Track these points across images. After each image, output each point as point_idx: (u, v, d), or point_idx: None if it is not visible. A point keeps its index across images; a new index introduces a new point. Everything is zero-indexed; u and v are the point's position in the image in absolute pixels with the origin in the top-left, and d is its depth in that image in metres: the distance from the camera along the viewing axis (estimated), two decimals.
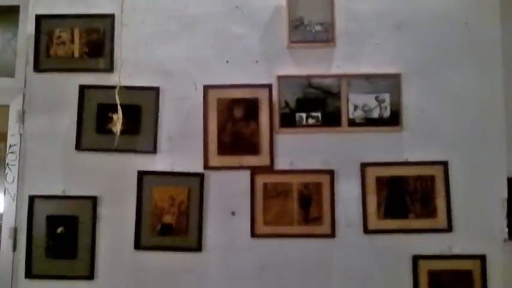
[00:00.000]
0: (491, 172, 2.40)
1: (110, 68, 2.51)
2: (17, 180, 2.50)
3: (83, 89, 2.51)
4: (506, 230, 2.36)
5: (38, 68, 2.54)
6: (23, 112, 2.52)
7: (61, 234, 2.46)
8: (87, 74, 2.52)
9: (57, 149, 2.49)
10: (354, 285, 2.35)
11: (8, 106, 2.53)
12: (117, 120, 2.30)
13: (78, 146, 2.48)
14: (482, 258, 2.34)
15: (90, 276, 2.42)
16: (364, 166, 2.40)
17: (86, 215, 2.45)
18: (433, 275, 2.33)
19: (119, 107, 2.30)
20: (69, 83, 2.50)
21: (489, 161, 2.40)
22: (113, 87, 2.40)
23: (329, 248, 2.37)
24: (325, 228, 2.38)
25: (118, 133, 2.36)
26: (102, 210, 2.45)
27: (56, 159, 2.48)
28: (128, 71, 2.49)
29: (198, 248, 2.40)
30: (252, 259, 2.38)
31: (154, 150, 2.46)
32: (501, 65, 2.43)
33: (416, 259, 2.34)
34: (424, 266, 2.34)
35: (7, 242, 2.48)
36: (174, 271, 2.40)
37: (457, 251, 2.35)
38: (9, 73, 2.55)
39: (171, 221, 2.42)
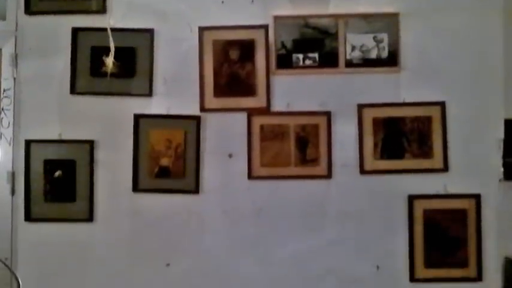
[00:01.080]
0: (488, 113, 2.41)
1: (102, 10, 2.48)
2: (12, 125, 2.52)
3: (76, 31, 2.49)
4: (502, 170, 2.39)
5: (29, 10, 2.51)
6: (16, 55, 2.51)
7: (59, 178, 2.49)
8: (79, 16, 2.49)
9: (52, 93, 2.49)
10: (349, 225, 2.40)
11: (0, 50, 2.52)
12: (109, 61, 2.28)
13: (73, 90, 2.48)
14: (477, 198, 2.38)
15: (89, 218, 2.47)
16: (361, 107, 2.41)
17: (83, 159, 2.48)
18: (428, 214, 2.38)
19: (111, 44, 2.27)
20: (62, 26, 2.48)
21: (486, 102, 2.42)
22: (106, 30, 2.38)
23: (325, 189, 2.41)
24: (321, 169, 2.41)
25: (109, 73, 2.35)
26: (99, 154, 2.47)
27: (51, 103, 2.49)
28: (121, 12, 2.46)
29: (195, 190, 2.44)
30: (249, 201, 2.43)
31: (150, 93, 2.47)
32: (501, 5, 2.41)
33: (411, 199, 2.39)
34: (419, 206, 2.38)
35: (5, 187, 2.52)
36: (171, 213, 2.44)
37: (452, 190, 2.39)
38: (0, 16, 2.53)
39: (168, 164, 2.45)
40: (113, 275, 2.44)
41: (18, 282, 1.81)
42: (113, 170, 2.46)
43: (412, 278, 2.37)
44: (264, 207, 2.42)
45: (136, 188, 2.46)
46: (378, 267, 2.39)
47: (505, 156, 2.40)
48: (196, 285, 2.42)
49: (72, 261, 2.45)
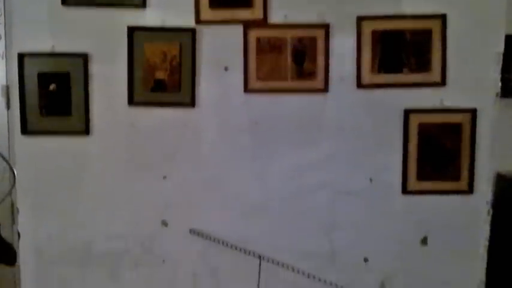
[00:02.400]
0: (489, 27, 2.40)
1: None
2: (4, 39, 2.50)
3: None
4: (500, 84, 2.41)
5: None
6: None
7: (53, 91, 2.50)
8: None
9: (43, 5, 2.45)
10: (345, 139, 2.45)
11: None
12: None
13: (64, 1, 2.44)
14: (473, 112, 2.42)
15: (85, 131, 2.50)
16: (360, 19, 2.40)
17: (78, 72, 2.48)
18: (423, 128, 2.42)
19: None
20: None
21: (488, 16, 2.39)
22: None
23: (322, 102, 2.44)
24: (318, 83, 2.43)
25: None
26: (94, 67, 2.47)
27: (42, 15, 2.46)
28: None
29: (191, 103, 2.47)
30: (245, 114, 2.46)
31: (143, 4, 2.44)
32: None
33: (407, 112, 2.42)
34: (415, 119, 2.42)
35: (0, 100, 2.54)
36: (167, 126, 2.48)
37: (448, 104, 2.41)
38: None
39: (164, 77, 2.47)
40: (109, 187, 2.50)
41: (14, 174, 1.87)
42: (107, 83, 2.47)
43: (405, 190, 2.45)
44: (260, 120, 2.46)
45: (131, 101, 2.48)
46: (371, 179, 2.46)
47: (504, 71, 2.41)
48: (192, 197, 2.49)
49: (69, 174, 2.51)
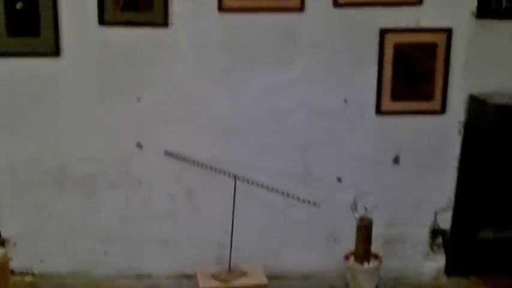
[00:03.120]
0: None
1: None
2: None
3: None
4: (476, 4, 2.40)
5: None
6: None
7: (21, 10, 2.43)
8: None
9: None
10: (320, 58, 2.45)
11: None
12: None
13: None
14: (448, 32, 2.43)
15: (55, 53, 2.46)
16: None
17: None
18: (398, 47, 2.43)
19: None
20: None
21: None
22: None
23: (298, 21, 2.42)
24: (295, 1, 2.40)
25: None
26: None
27: None
28: None
29: (164, 23, 2.43)
30: (219, 33, 2.43)
31: None
32: None
33: (383, 32, 2.42)
34: (391, 39, 2.43)
35: None
36: (140, 47, 2.45)
37: (424, 24, 2.42)
38: None
39: None
40: (83, 110, 2.50)
41: None
42: (77, 2, 2.41)
43: (378, 111, 2.49)
44: (235, 40, 2.44)
45: (102, 21, 2.43)
46: (345, 100, 2.49)
47: None
48: (167, 118, 2.50)
49: (42, 96, 2.48)
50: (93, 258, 2.62)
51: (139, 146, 2.51)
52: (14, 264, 2.57)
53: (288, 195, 2.49)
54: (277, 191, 2.49)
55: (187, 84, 2.46)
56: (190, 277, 2.54)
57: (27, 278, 2.61)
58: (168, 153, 2.50)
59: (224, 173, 2.48)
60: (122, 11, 2.42)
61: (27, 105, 2.49)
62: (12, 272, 2.51)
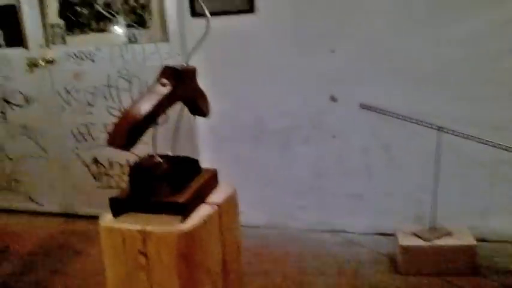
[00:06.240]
0: None
1: None
2: None
3: None
4: None
5: None
6: None
7: None
8: None
9: None
10: None
11: None
12: None
13: None
14: None
15: (249, 9, 2.61)
16: None
17: None
18: None
19: None
20: None
21: None
22: None
23: None
24: None
25: None
26: None
27: None
28: None
29: None
30: None
31: None
32: None
33: None
34: None
35: None
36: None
37: None
38: None
39: None
40: (277, 65, 2.61)
41: None
42: None
43: None
44: None
45: None
46: None
47: None
48: (363, 69, 2.49)
49: (237, 53, 2.66)
50: (288, 211, 2.78)
51: (333, 99, 2.57)
52: None
53: (503, 147, 2.28)
54: (488, 143, 2.30)
55: (384, 33, 2.42)
56: (387, 235, 2.55)
57: None
58: (363, 106, 2.51)
59: (425, 124, 2.40)
60: None
61: (224, 62, 2.69)
62: None
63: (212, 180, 1.45)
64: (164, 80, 1.30)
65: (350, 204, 2.66)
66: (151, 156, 1.36)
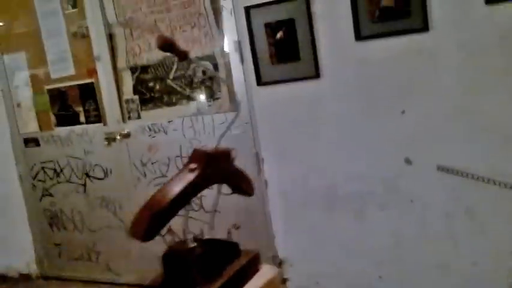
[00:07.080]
0: None
1: None
2: None
3: None
4: None
5: None
6: None
7: (281, 39, 2.70)
8: None
9: None
10: None
11: None
12: None
13: None
14: None
15: (316, 75, 2.64)
16: None
17: (301, 16, 2.62)
18: None
19: None
20: None
21: None
22: None
23: None
24: None
25: None
26: (316, 8, 2.56)
27: None
28: None
29: (424, 27, 2.37)
30: (489, 28, 2.26)
31: None
32: None
33: None
34: None
35: (234, 56, 2.85)
36: (400, 57, 2.43)
37: None
38: None
39: (390, 3, 2.42)
40: (346, 128, 2.59)
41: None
42: (331, 21, 2.53)
43: None
44: (510, 32, 2.23)
45: (359, 36, 2.51)
46: None
47: None
48: (436, 130, 2.40)
49: (305, 119, 2.67)
50: (367, 282, 2.67)
51: (407, 161, 2.48)
52: (292, 285, 2.79)
53: None
54: None
55: (455, 89, 2.33)
56: None
57: None
58: (441, 168, 2.41)
59: (511, 187, 2.25)
60: (377, 22, 2.45)
61: (292, 129, 2.72)
62: None
63: (251, 264, 1.40)
64: (193, 165, 1.27)
65: (435, 275, 2.52)
66: (184, 241, 1.33)
